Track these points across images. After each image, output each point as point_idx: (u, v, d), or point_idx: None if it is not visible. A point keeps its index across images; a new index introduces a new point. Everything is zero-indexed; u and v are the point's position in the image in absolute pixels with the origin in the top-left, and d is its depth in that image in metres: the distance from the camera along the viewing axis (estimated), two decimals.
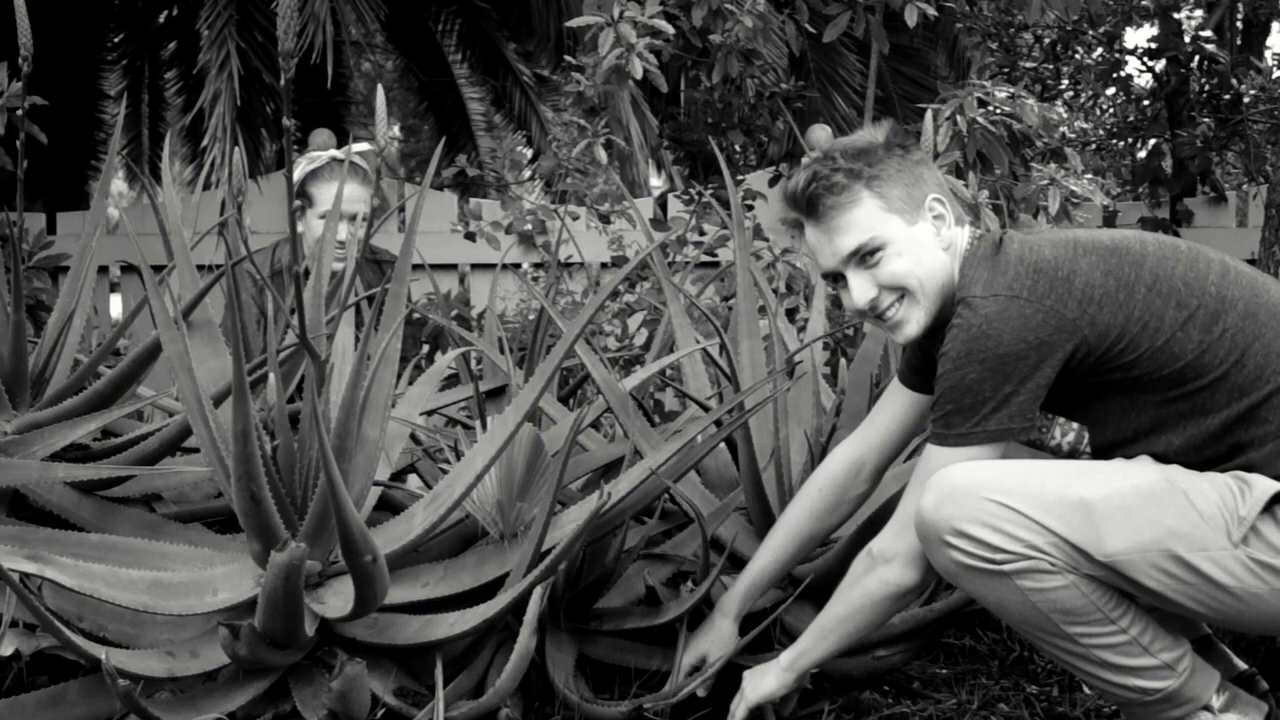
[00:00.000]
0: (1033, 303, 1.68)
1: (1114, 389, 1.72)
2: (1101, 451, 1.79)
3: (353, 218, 3.16)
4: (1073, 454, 2.03)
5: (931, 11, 3.97)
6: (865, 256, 1.80)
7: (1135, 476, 1.67)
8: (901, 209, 1.79)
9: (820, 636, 1.87)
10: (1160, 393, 1.70)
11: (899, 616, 2.12)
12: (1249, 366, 1.67)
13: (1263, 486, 1.63)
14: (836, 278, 1.85)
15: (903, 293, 1.80)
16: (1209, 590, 1.62)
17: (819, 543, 2.06)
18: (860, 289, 1.81)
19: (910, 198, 1.80)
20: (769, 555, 2.03)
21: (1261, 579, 1.62)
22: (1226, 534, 1.62)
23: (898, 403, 2.01)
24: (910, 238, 1.79)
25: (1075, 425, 2.02)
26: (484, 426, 2.20)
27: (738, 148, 4.84)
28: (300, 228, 3.27)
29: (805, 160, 1.87)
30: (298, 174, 3.25)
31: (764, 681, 1.90)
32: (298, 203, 3.25)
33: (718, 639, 2.00)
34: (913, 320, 1.81)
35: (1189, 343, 1.67)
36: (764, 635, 2.02)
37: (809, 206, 1.82)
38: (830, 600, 1.88)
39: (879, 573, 1.81)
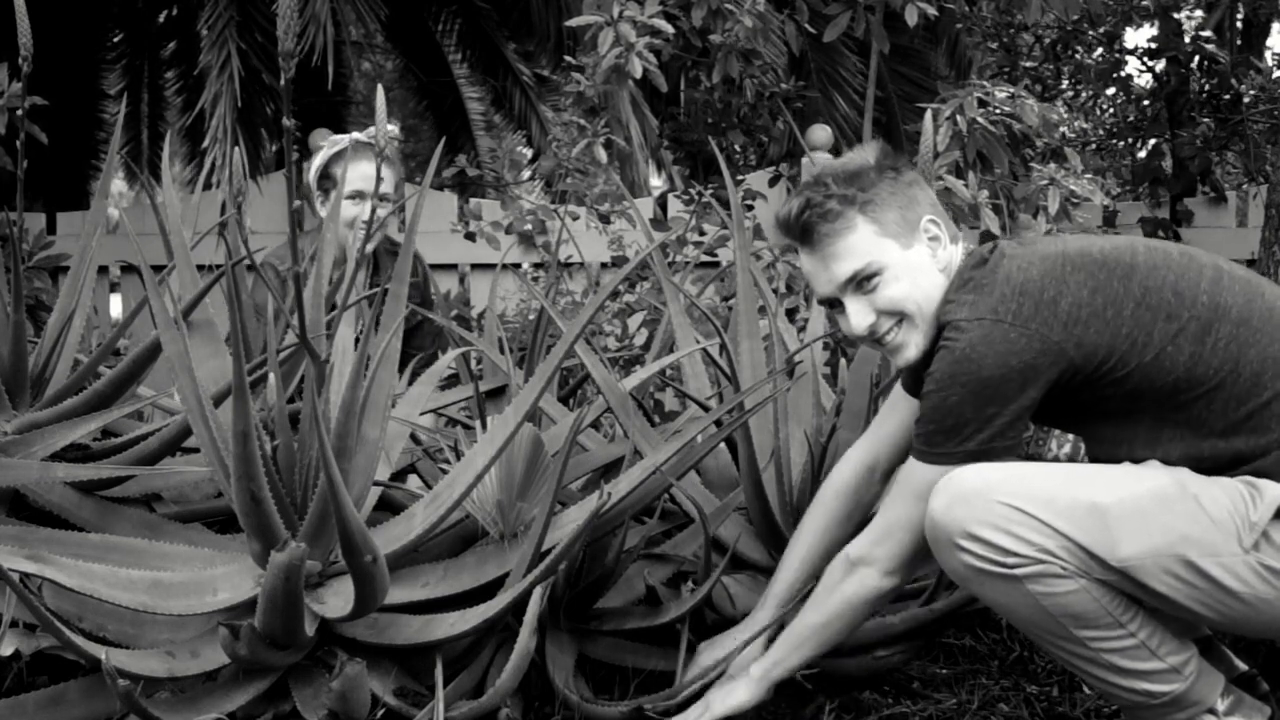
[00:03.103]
0: (1017, 326, 1.67)
1: (1108, 404, 1.72)
2: (1099, 463, 1.78)
3: (365, 195, 3.14)
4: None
5: (931, 11, 3.97)
6: (862, 282, 1.79)
7: (1147, 480, 1.66)
8: (897, 233, 1.79)
9: (795, 646, 1.86)
10: (1155, 406, 1.69)
11: (899, 616, 2.12)
12: (1245, 375, 1.66)
13: (1274, 492, 1.63)
14: (833, 304, 1.84)
15: (901, 317, 1.79)
16: (1219, 595, 1.62)
17: (840, 548, 2.06)
18: (858, 315, 1.80)
19: (905, 221, 1.80)
20: (797, 566, 2.01)
21: (1271, 585, 1.61)
22: (1238, 539, 1.61)
23: (902, 409, 2.00)
24: (906, 262, 1.79)
25: (1071, 436, 2.01)
26: (484, 426, 2.20)
27: (738, 148, 4.83)
28: (323, 212, 3.24)
29: (803, 175, 1.87)
30: (320, 159, 3.25)
31: (733, 694, 1.86)
32: (319, 192, 3.24)
33: (746, 659, 1.94)
34: (911, 344, 1.81)
35: (1180, 355, 1.66)
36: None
37: (803, 234, 1.81)
38: (803, 609, 1.87)
39: (859, 576, 1.81)
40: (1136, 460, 1.72)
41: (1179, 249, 1.78)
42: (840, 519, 2.03)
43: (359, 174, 3.10)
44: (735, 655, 1.93)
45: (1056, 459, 2.05)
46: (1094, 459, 1.80)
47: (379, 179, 2.50)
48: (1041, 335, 1.66)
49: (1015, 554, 1.63)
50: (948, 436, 1.71)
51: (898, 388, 2.02)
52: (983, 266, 1.77)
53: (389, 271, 3.12)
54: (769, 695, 1.88)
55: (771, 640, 1.93)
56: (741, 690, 1.87)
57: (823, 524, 2.03)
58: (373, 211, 2.51)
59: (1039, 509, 1.63)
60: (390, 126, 2.27)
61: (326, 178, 3.22)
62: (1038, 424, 1.78)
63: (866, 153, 1.85)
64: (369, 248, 3.09)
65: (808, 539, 2.03)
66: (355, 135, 3.27)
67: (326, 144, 3.29)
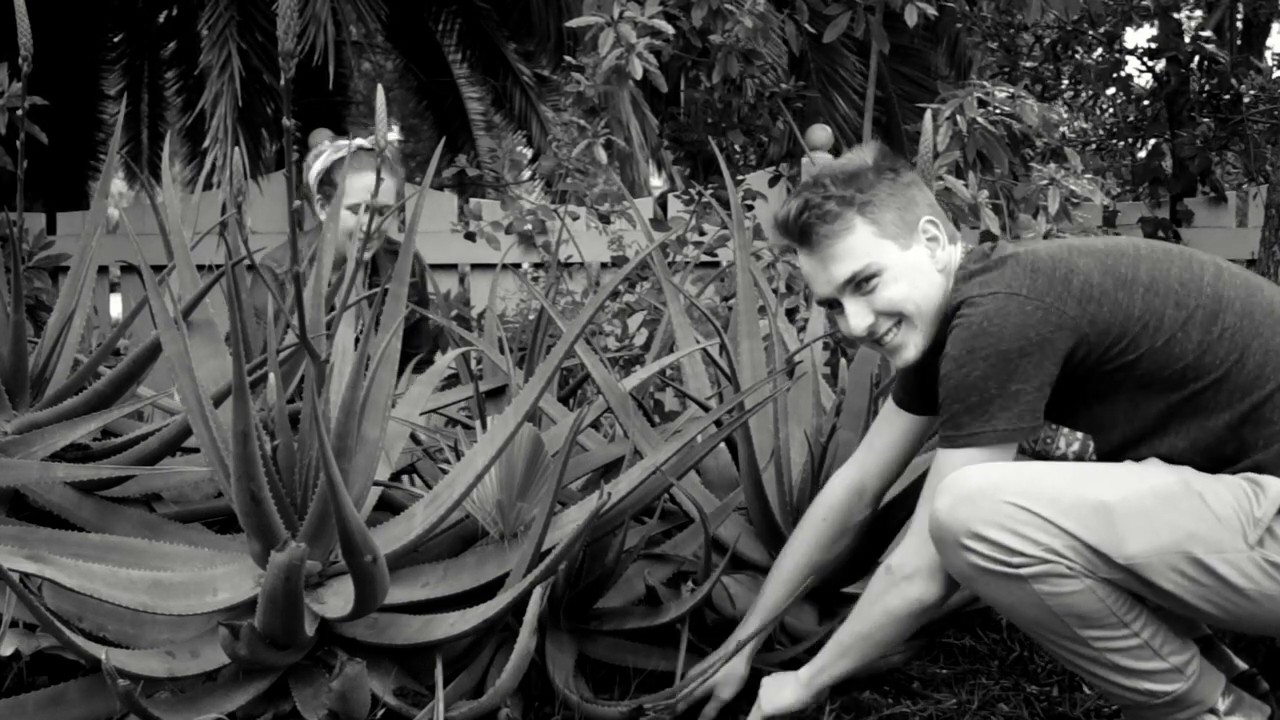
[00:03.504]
0: (1032, 300, 1.67)
1: (1116, 391, 1.72)
2: (1107, 458, 1.78)
3: (368, 209, 3.14)
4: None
5: (931, 11, 3.97)
6: (861, 283, 1.79)
7: (1152, 478, 1.66)
8: (895, 234, 1.79)
9: (839, 654, 1.85)
10: (1163, 395, 1.69)
11: None
12: (1249, 366, 1.67)
13: (1276, 488, 1.63)
14: (832, 304, 1.85)
15: (900, 318, 1.80)
16: (1224, 592, 1.62)
17: (827, 572, 2.06)
18: (857, 316, 1.81)
19: (903, 222, 1.80)
20: (781, 589, 2.00)
21: (1276, 580, 1.61)
22: (1243, 536, 1.61)
23: (894, 426, 2.00)
24: (905, 262, 1.79)
25: (1080, 435, 2.01)
26: (484, 426, 2.20)
27: (738, 148, 4.84)
28: (323, 214, 3.23)
29: (803, 175, 1.87)
30: (322, 163, 3.24)
31: (780, 694, 1.87)
32: (318, 196, 3.24)
33: (730, 675, 1.96)
34: (911, 344, 1.81)
35: (1189, 343, 1.67)
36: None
37: (802, 235, 1.81)
38: (849, 617, 1.85)
39: (900, 589, 1.79)
40: (1144, 452, 1.72)
41: (1177, 248, 1.80)
42: (826, 542, 2.02)
43: (361, 185, 3.08)
44: (718, 669, 1.93)
45: (1065, 458, 2.04)
46: (1101, 453, 1.80)
47: (379, 180, 2.49)
48: (1057, 309, 1.67)
49: (1021, 554, 1.62)
50: (974, 415, 1.70)
51: (889, 404, 2.01)
52: (985, 260, 1.79)
53: (389, 272, 3.11)
54: (818, 699, 1.88)
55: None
56: (788, 693, 1.87)
57: (809, 546, 2.02)
58: (371, 217, 2.51)
59: (1045, 508, 1.62)
60: (390, 133, 2.26)
61: (328, 183, 3.21)
62: (1046, 420, 1.78)
63: (865, 154, 1.86)
64: (367, 255, 3.09)
65: (793, 560, 2.02)
66: (358, 141, 3.26)
67: (329, 147, 3.28)
